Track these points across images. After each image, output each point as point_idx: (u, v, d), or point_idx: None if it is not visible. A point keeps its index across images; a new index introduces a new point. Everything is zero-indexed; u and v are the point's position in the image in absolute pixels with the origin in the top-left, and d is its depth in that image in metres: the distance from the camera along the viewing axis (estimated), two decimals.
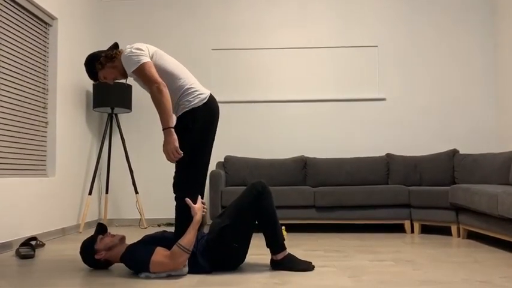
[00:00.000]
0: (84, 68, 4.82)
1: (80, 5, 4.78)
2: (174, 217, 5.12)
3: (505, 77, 4.86)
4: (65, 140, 4.37)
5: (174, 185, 2.52)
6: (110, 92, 4.66)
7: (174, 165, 5.13)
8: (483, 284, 2.20)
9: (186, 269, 2.46)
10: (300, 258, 2.78)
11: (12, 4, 3.69)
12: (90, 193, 4.60)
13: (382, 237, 3.96)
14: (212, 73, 5.22)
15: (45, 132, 4.16)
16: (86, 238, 2.64)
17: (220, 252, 2.52)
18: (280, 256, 2.58)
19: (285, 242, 2.61)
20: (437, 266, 2.64)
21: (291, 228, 4.47)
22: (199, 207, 2.47)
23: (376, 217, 4.19)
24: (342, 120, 5.14)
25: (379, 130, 5.11)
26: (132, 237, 4.03)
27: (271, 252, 2.60)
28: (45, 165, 4.14)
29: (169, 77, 2.48)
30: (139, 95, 5.25)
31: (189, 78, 2.54)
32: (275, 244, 2.59)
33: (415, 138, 5.08)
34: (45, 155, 4.14)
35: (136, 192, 4.82)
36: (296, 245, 3.48)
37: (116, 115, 4.92)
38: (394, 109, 5.12)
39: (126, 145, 5.17)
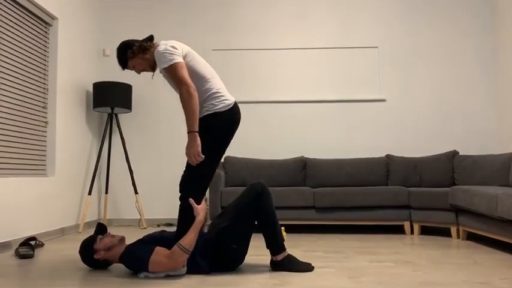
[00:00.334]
0: (84, 67, 4.83)
1: (81, 5, 4.78)
2: (173, 217, 5.16)
3: (505, 78, 4.86)
4: (64, 140, 4.37)
5: (181, 184, 2.52)
6: (109, 92, 4.66)
7: (174, 165, 5.15)
8: (482, 285, 2.20)
9: (185, 269, 2.46)
10: (300, 259, 2.78)
11: (13, 4, 3.69)
12: (89, 193, 4.60)
13: (382, 238, 3.96)
14: None
15: (45, 132, 4.16)
16: (85, 238, 2.64)
17: (219, 252, 2.52)
18: (280, 257, 2.58)
19: (284, 243, 2.61)
20: (437, 267, 2.63)
21: (291, 229, 4.47)
22: (202, 208, 2.47)
23: (376, 218, 4.19)
24: (341, 121, 5.14)
25: (379, 131, 5.11)
26: (132, 237, 4.02)
27: (271, 253, 2.60)
28: (44, 165, 4.14)
29: (199, 79, 2.49)
30: (140, 95, 5.25)
31: (217, 83, 2.56)
32: (275, 245, 2.59)
33: (415, 139, 5.08)
34: (44, 155, 4.14)
35: (136, 192, 4.82)
36: (296, 246, 3.48)
37: (116, 115, 4.92)
38: (394, 110, 5.12)
39: (126, 145, 5.17)
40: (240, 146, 5.14)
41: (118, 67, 5.27)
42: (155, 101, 5.25)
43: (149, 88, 5.26)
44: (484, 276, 2.41)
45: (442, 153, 4.57)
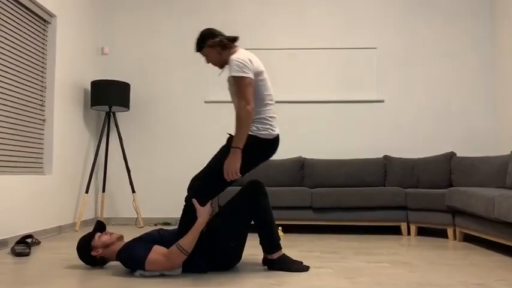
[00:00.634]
0: (82, 65, 4.82)
1: (79, 3, 4.77)
2: (170, 217, 5.16)
3: (503, 80, 4.87)
4: (62, 138, 4.36)
5: (192, 184, 2.52)
6: (107, 90, 4.65)
7: (171, 165, 5.14)
8: (479, 286, 2.20)
9: (180, 269, 2.45)
10: (296, 259, 2.78)
11: (11, 1, 3.68)
12: (87, 191, 4.59)
13: (379, 239, 3.96)
14: (210, 73, 5.22)
15: (43, 130, 4.15)
16: (81, 237, 2.64)
17: (217, 251, 2.52)
18: (275, 255, 2.58)
19: (280, 242, 2.61)
20: (434, 269, 2.64)
21: (288, 229, 4.47)
22: (205, 211, 2.45)
23: (373, 219, 4.19)
24: (340, 122, 5.14)
25: (377, 132, 5.11)
26: (129, 236, 4.01)
27: (265, 251, 2.60)
28: (42, 163, 4.13)
29: (258, 100, 2.50)
30: (138, 93, 5.24)
31: (271, 111, 2.59)
32: (271, 243, 2.59)
33: (413, 141, 5.09)
34: (42, 153, 4.13)
35: (133, 191, 4.81)
36: (293, 246, 3.48)
37: (114, 114, 4.91)
38: (392, 111, 5.13)
39: (124, 144, 5.16)
40: None
41: (116, 65, 5.26)
42: (153, 100, 5.24)
43: (147, 87, 5.25)
44: (480, 277, 2.41)
45: (440, 155, 4.58)
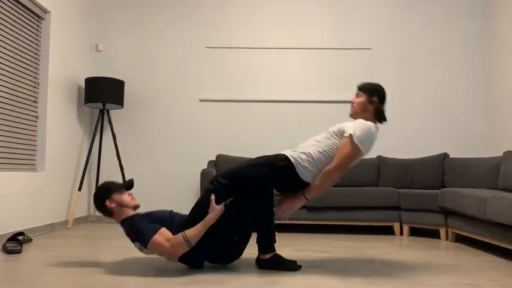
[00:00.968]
0: (76, 62, 4.79)
1: None
2: None
3: (496, 82, 4.90)
4: (55, 135, 4.33)
5: (219, 176, 2.52)
6: (101, 87, 4.63)
7: (165, 163, 5.12)
8: (470, 286, 2.22)
9: (177, 257, 2.47)
10: (290, 258, 2.78)
11: None
12: (79, 189, 4.57)
13: (372, 239, 3.97)
14: (205, 71, 5.21)
15: (36, 126, 4.12)
16: (111, 181, 2.67)
17: (219, 243, 2.52)
18: (268, 256, 2.59)
19: (275, 244, 2.63)
20: (425, 269, 2.65)
21: (281, 228, 4.47)
22: (218, 209, 2.45)
23: (366, 219, 4.20)
24: (334, 122, 5.07)
25: None
26: (123, 234, 4.00)
27: (260, 250, 2.60)
28: (34, 160, 4.10)
29: (330, 159, 2.56)
30: (132, 91, 5.22)
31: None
32: (267, 244, 2.59)
33: (406, 141, 5.11)
34: (34, 150, 4.10)
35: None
36: (286, 245, 3.48)
37: (108, 111, 4.89)
38: (386, 112, 5.12)
39: (117, 141, 5.14)
40: (232, 144, 5.13)
41: (110, 63, 5.23)
42: (147, 98, 5.22)
43: (142, 84, 5.23)
44: (471, 278, 2.43)
45: (433, 156, 4.60)
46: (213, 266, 2.64)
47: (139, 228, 2.44)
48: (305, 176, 2.55)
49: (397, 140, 5.09)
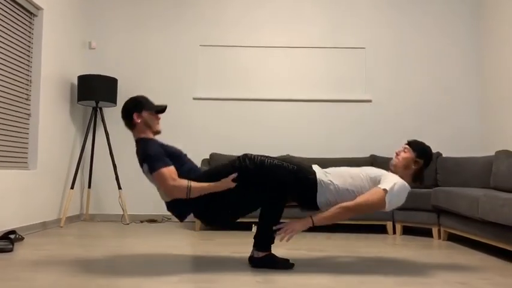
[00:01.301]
0: (69, 59, 4.76)
1: None
2: (156, 214, 5.13)
3: (489, 82, 4.93)
4: (47, 133, 4.30)
5: (249, 160, 2.54)
6: (94, 85, 4.60)
7: None
8: (462, 285, 2.23)
9: (167, 199, 2.55)
10: (283, 256, 2.78)
11: None
12: (72, 187, 4.54)
13: (365, 237, 3.99)
14: (199, 69, 5.20)
15: (28, 124, 4.09)
16: (147, 97, 2.73)
17: (213, 206, 2.54)
18: (261, 254, 2.59)
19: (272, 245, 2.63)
20: (418, 267, 2.66)
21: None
22: (227, 184, 2.47)
23: (359, 217, 4.21)
24: (327, 121, 5.16)
25: (364, 131, 5.14)
26: (116, 232, 3.99)
27: (255, 246, 2.60)
28: (26, 157, 4.07)
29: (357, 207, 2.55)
30: (125, 89, 5.19)
31: None
32: (264, 242, 2.59)
33: (400, 140, 5.11)
34: (26, 147, 4.07)
35: (119, 187, 4.77)
36: (279, 244, 3.48)
37: (101, 109, 4.86)
38: (379, 111, 5.16)
39: (110, 140, 5.11)
40: (225, 143, 5.13)
41: (104, 60, 5.20)
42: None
43: (135, 82, 5.20)
44: (463, 276, 2.44)
45: None
46: (204, 263, 2.64)
47: (154, 154, 2.49)
48: (320, 201, 2.59)
49: (390, 139, 5.11)
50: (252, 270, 2.53)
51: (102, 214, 5.08)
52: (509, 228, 2.82)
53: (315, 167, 2.67)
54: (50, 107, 4.36)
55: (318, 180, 2.58)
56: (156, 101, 5.14)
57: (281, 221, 2.60)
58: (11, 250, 3.02)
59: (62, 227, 4.39)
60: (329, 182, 2.59)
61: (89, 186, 4.92)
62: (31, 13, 4.12)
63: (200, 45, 5.23)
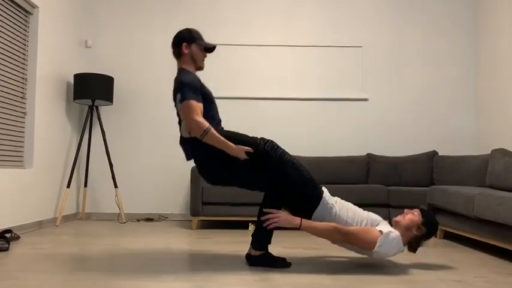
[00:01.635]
0: (65, 58, 4.74)
1: None
2: (153, 212, 5.14)
3: (486, 81, 4.95)
4: (43, 132, 4.28)
5: (273, 146, 2.56)
6: (91, 83, 4.59)
7: (154, 160, 5.10)
8: (457, 283, 2.24)
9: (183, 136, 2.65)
10: (279, 255, 2.79)
11: None
12: (68, 186, 4.53)
13: None
14: None
15: (23, 122, 4.07)
16: (199, 33, 2.83)
17: (216, 163, 2.56)
18: (258, 252, 2.59)
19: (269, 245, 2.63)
20: (414, 265, 2.67)
21: None
22: (239, 151, 2.49)
23: None
24: (323, 119, 5.17)
25: (360, 130, 5.15)
26: (112, 231, 3.98)
27: (253, 244, 2.60)
28: (22, 156, 4.06)
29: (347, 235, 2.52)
30: (121, 87, 5.18)
31: None
32: (262, 241, 2.59)
33: (396, 139, 5.14)
34: (22, 146, 4.06)
35: (116, 186, 4.76)
36: (276, 242, 3.48)
37: (97, 107, 4.85)
38: (376, 110, 5.17)
39: (106, 138, 5.10)
40: None
41: (100, 59, 5.19)
42: (137, 94, 5.18)
43: (131, 81, 5.19)
44: (459, 274, 2.45)
45: (422, 153, 4.64)
46: (201, 262, 2.64)
47: (190, 85, 2.54)
48: (316, 216, 2.56)
49: (387, 138, 5.13)
50: (249, 269, 2.53)
51: (98, 213, 5.07)
52: (505, 227, 2.84)
53: (324, 188, 2.65)
54: (46, 106, 4.34)
55: (323, 196, 2.58)
56: (153, 99, 5.16)
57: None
58: (6, 249, 3.01)
59: (58, 226, 4.38)
60: (332, 205, 2.58)
61: (85, 185, 4.91)
62: (26, 11, 4.10)
63: None
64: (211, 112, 2.67)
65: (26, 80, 4.10)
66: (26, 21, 4.11)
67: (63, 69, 4.73)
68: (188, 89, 2.54)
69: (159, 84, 5.19)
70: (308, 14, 5.25)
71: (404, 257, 2.96)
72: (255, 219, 2.69)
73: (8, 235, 3.32)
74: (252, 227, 4.16)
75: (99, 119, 4.80)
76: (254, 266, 2.58)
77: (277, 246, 3.29)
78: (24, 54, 4.08)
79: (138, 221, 4.90)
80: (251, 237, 2.63)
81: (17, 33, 3.97)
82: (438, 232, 3.89)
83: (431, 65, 5.20)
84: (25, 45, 4.10)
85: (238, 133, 2.65)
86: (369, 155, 4.85)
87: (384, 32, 5.23)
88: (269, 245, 2.64)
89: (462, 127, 5.14)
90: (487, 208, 2.92)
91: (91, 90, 4.59)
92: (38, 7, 4.17)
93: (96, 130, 5.11)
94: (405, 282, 2.25)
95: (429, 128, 5.14)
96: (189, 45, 2.73)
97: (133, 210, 5.06)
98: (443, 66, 5.20)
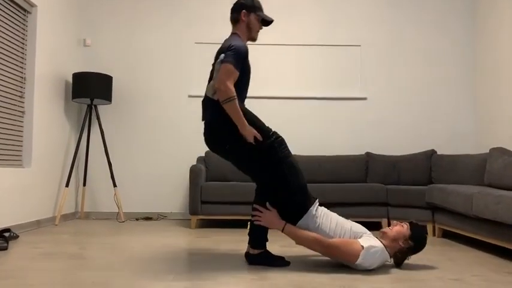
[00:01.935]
0: (63, 57, 4.74)
1: None
2: (152, 211, 5.14)
3: (484, 80, 4.96)
4: (42, 131, 4.28)
5: (280, 145, 2.60)
6: (89, 82, 4.58)
7: (153, 159, 5.10)
8: (455, 281, 2.25)
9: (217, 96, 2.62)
10: (278, 254, 2.79)
11: None
12: (67, 185, 4.53)
13: None
14: (194, 67, 5.19)
15: (22, 122, 4.07)
16: (261, 6, 2.83)
17: (224, 133, 2.58)
18: (256, 251, 2.60)
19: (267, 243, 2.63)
20: (412, 264, 2.68)
21: None
22: (250, 132, 2.52)
23: (354, 215, 4.22)
24: (322, 118, 5.17)
25: (359, 129, 5.15)
26: (111, 230, 3.98)
27: (250, 243, 2.61)
28: (21, 155, 4.05)
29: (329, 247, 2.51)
30: (120, 86, 5.18)
31: None
32: (259, 239, 2.60)
33: (395, 138, 5.15)
34: (21, 145, 4.05)
35: (115, 185, 4.76)
36: (274, 241, 3.49)
37: (96, 106, 4.84)
38: (374, 108, 5.17)
39: (105, 137, 5.10)
40: None
41: (98, 57, 5.18)
42: (136, 93, 5.18)
43: (130, 80, 5.19)
44: (457, 272, 2.46)
45: (421, 152, 4.64)
46: (200, 260, 2.64)
47: (237, 51, 2.56)
48: (300, 224, 2.53)
49: (386, 137, 5.13)
50: (248, 267, 2.53)
51: (97, 212, 5.07)
52: (503, 225, 2.84)
53: (317, 201, 2.63)
54: (45, 105, 4.34)
55: (310, 209, 2.54)
56: (152, 98, 5.16)
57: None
58: (5, 248, 3.01)
59: (56, 225, 4.38)
60: (317, 217, 2.55)
61: (84, 184, 4.90)
62: (25, 10, 4.09)
63: (195, 43, 5.21)
64: (243, 86, 2.71)
65: (24, 79, 4.10)
66: (24, 20, 4.10)
67: (62, 68, 4.73)
68: (234, 53, 2.55)
69: (158, 83, 5.19)
70: (307, 13, 5.25)
71: None
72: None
73: (6, 234, 3.32)
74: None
75: (97, 118, 4.80)
76: (253, 264, 2.58)
77: (275, 245, 3.29)
78: (22, 53, 4.08)
79: (137, 220, 4.90)
80: (248, 236, 2.63)
81: (16, 32, 3.97)
82: (437, 231, 3.90)
83: (430, 64, 5.21)
84: (23, 44, 4.10)
85: (257, 117, 2.67)
86: (367, 153, 4.85)
87: (382, 31, 5.23)
88: (267, 243, 2.65)
89: (460, 126, 5.15)
90: (486, 207, 2.92)
91: (90, 89, 4.58)
92: (36, 6, 4.17)
93: (95, 129, 5.11)
94: (403, 280, 2.26)
95: (428, 127, 5.15)
96: (248, 13, 2.74)
97: (132, 209, 5.07)
98: (442, 66, 5.20)
